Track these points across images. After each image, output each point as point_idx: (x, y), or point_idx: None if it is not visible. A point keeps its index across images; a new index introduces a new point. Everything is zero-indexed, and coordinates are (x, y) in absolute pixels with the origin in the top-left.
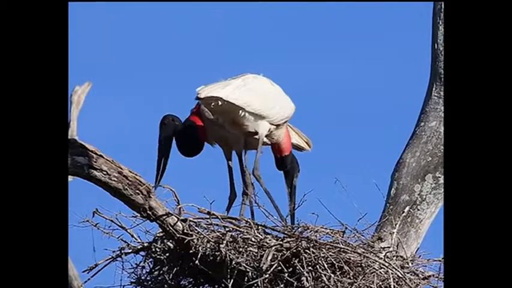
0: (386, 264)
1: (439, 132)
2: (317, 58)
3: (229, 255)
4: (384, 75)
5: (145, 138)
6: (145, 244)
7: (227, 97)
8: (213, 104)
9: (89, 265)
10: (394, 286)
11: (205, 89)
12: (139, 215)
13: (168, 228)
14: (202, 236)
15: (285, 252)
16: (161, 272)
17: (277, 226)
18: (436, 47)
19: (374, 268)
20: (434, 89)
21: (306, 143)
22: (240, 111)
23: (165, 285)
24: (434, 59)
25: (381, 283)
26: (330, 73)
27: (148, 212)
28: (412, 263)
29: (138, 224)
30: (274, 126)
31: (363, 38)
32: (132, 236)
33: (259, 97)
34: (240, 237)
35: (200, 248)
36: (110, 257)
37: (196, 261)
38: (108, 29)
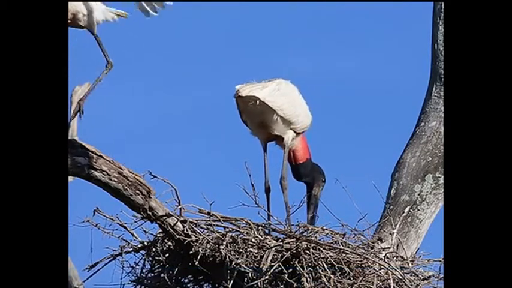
0: (386, 265)
1: (439, 132)
2: (316, 58)
3: (229, 256)
4: (383, 75)
5: (145, 138)
6: (146, 243)
7: (264, 98)
8: (251, 103)
9: (88, 264)
10: (394, 287)
11: (246, 87)
12: (139, 215)
13: (168, 229)
14: (202, 236)
15: (285, 253)
16: (161, 270)
17: (278, 226)
18: (436, 47)
19: (374, 269)
20: (434, 89)
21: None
22: (272, 114)
23: (165, 285)
24: (434, 59)
25: (381, 284)
26: (330, 73)
27: (148, 212)
28: (412, 264)
29: (139, 225)
30: (295, 134)
31: (363, 38)
32: (133, 234)
33: (290, 103)
34: (240, 238)
35: (200, 248)
36: (110, 255)
37: (196, 262)
38: (108, 29)
